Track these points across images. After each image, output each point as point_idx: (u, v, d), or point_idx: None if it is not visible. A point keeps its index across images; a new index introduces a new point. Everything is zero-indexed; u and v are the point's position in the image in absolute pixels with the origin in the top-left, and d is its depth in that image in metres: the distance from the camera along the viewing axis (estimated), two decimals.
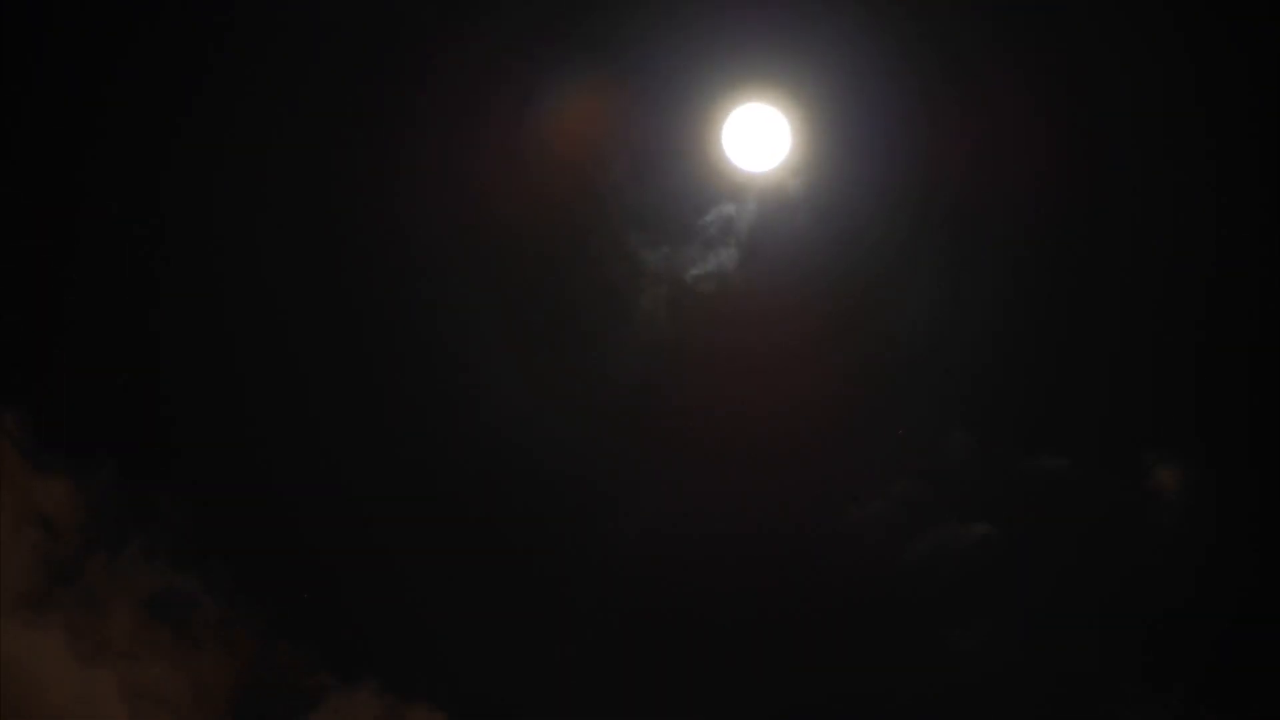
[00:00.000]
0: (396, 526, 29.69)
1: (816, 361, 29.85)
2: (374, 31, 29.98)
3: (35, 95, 29.73)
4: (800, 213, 30.14)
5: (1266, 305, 30.12)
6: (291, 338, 29.91)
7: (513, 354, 30.22)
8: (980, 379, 30.21)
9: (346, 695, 28.71)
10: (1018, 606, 29.50)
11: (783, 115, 30.00)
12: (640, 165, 30.03)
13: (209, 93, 29.97)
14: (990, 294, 30.28)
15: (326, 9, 29.88)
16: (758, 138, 30.04)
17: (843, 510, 29.86)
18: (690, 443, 30.17)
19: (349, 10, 29.93)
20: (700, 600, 29.59)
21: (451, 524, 29.85)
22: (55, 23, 29.75)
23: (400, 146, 30.07)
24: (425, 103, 29.92)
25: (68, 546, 28.09)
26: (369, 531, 29.66)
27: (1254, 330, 30.18)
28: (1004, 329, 30.31)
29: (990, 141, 29.73)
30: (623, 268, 30.28)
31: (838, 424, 29.89)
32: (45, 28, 29.73)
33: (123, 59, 29.81)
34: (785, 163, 30.10)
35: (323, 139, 30.08)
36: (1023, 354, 30.28)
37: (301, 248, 30.06)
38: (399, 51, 29.97)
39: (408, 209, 30.14)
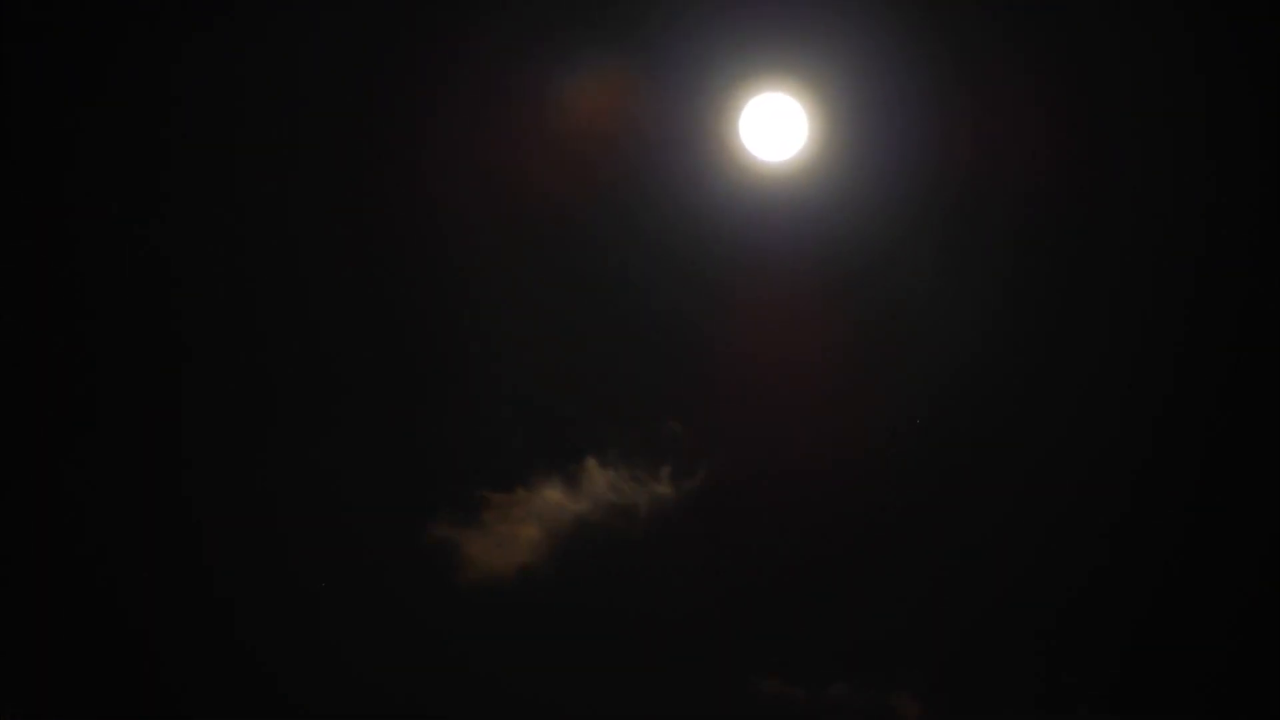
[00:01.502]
0: None
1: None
2: (391, 19, 30.01)
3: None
4: (815, 202, 30.26)
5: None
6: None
7: (523, 347, 30.38)
8: None
9: None
10: None
11: (799, 105, 30.10)
12: (657, 154, 30.12)
13: (213, 92, 29.96)
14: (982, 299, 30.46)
15: None
16: (774, 127, 30.11)
17: None
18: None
19: None
20: None
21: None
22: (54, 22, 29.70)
23: (413, 137, 30.12)
24: (441, 93, 30.00)
25: None
26: None
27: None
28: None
29: (1006, 131, 29.83)
30: (637, 257, 30.39)
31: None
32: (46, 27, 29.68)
33: (124, 60, 29.76)
34: (801, 152, 30.20)
35: (343, 126, 30.18)
36: None
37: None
38: (416, 40, 30.01)
39: (421, 199, 30.22)
